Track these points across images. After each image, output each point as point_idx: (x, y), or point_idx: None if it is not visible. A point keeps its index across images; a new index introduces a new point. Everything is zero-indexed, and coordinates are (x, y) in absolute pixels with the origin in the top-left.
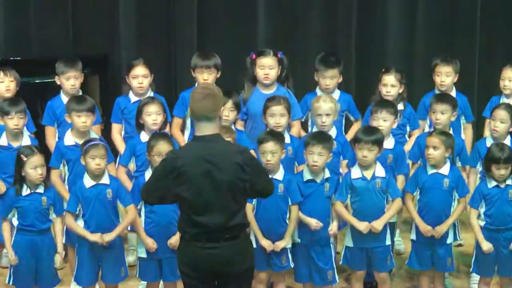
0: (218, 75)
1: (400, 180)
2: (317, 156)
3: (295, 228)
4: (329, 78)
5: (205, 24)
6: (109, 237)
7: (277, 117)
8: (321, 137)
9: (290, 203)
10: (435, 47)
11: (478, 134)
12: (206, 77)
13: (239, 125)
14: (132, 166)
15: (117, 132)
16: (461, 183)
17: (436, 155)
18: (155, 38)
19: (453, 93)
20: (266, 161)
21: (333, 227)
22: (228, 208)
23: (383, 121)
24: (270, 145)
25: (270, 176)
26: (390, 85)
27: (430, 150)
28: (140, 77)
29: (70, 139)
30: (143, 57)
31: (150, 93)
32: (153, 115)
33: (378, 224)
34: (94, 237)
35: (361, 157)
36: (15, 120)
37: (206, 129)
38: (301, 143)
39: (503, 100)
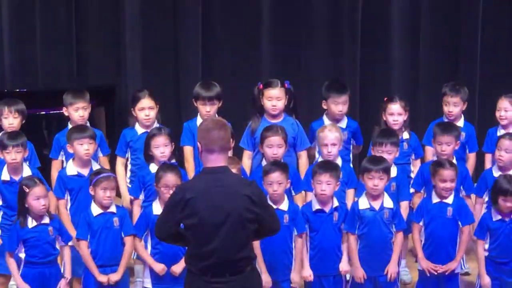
0: (220, 105)
1: (404, 207)
2: (325, 185)
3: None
4: (342, 103)
5: (210, 53)
6: (115, 277)
7: (274, 147)
8: (328, 166)
9: (295, 233)
10: (440, 70)
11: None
12: (208, 109)
13: (247, 156)
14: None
15: (121, 164)
16: (465, 212)
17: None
18: (160, 67)
19: (461, 122)
20: (273, 191)
21: (344, 265)
22: (236, 241)
23: (388, 154)
24: (276, 175)
25: (275, 207)
26: (397, 113)
27: (442, 184)
28: (146, 109)
29: (72, 168)
30: (148, 87)
31: (156, 125)
32: (161, 148)
33: (392, 269)
34: (102, 278)
35: (372, 186)
36: (12, 154)
37: (216, 161)
38: (309, 171)
39: (500, 131)
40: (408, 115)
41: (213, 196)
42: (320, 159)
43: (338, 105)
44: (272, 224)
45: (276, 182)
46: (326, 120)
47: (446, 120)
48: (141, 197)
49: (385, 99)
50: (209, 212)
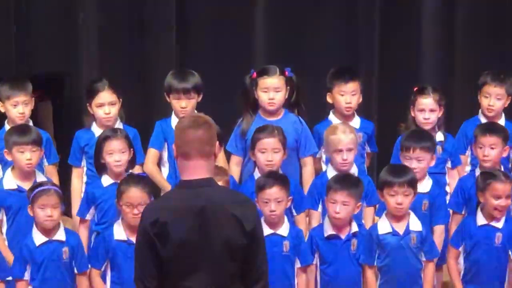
0: (199, 99)
1: (438, 233)
2: (341, 205)
3: None
4: (350, 93)
5: (188, 32)
6: None
7: (269, 153)
8: (347, 181)
9: (298, 265)
10: (479, 58)
11: None
12: (184, 104)
13: (236, 163)
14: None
15: (77, 176)
16: None
17: None
18: (123, 52)
19: (502, 120)
20: (270, 212)
21: None
22: (222, 277)
23: (418, 161)
24: (274, 192)
25: (271, 231)
26: (428, 110)
27: (495, 201)
28: (106, 105)
29: (10, 181)
30: (108, 76)
31: (119, 125)
32: (115, 154)
33: None
34: None
35: (395, 205)
36: (27, 154)
37: (198, 170)
38: (316, 184)
39: None
40: (443, 111)
41: (193, 218)
42: (330, 170)
43: (345, 95)
44: (259, 265)
45: (274, 200)
46: (334, 120)
47: (482, 116)
48: (89, 217)
49: (415, 89)
50: (189, 239)
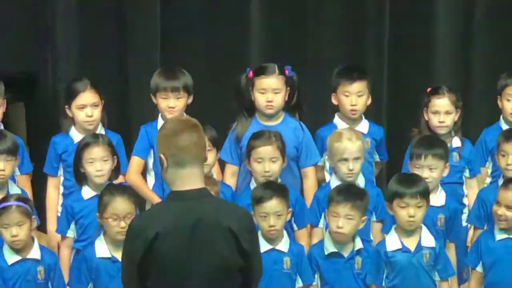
0: (190, 101)
1: (451, 249)
2: (343, 220)
3: None
4: (356, 94)
5: (175, 28)
6: None
7: (266, 162)
8: (351, 192)
9: (300, 285)
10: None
11: None
12: (172, 103)
13: (231, 173)
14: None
15: (54, 187)
16: None
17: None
18: (103, 49)
19: None
20: (269, 227)
21: None
22: None
23: (430, 170)
24: (274, 204)
25: (270, 247)
26: (444, 112)
27: (502, 209)
28: (88, 106)
29: None
30: (88, 76)
31: (101, 130)
32: (97, 163)
33: None
34: None
35: (406, 218)
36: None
37: (192, 179)
38: (318, 197)
39: None
40: (460, 114)
41: (185, 234)
42: (333, 181)
43: (350, 96)
44: (255, 278)
45: (273, 214)
46: (339, 124)
47: (504, 121)
48: (71, 234)
49: (428, 90)
50: (181, 256)
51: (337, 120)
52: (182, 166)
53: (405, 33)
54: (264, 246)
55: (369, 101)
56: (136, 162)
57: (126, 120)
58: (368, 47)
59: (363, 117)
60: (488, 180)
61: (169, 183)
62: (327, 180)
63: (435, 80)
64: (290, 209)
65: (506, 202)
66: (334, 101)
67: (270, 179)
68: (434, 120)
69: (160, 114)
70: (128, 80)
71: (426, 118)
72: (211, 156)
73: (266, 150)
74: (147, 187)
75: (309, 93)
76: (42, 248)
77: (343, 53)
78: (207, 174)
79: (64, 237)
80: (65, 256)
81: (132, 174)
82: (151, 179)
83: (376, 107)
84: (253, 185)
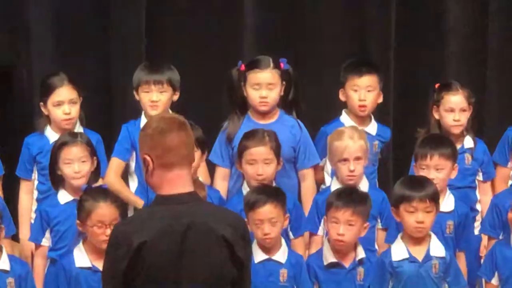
0: (176, 97)
1: (461, 259)
2: (344, 226)
3: None
4: (365, 89)
5: (161, 18)
6: None
7: (259, 165)
8: (352, 196)
9: None
10: None
11: None
12: (155, 97)
13: (222, 176)
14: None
15: (27, 192)
16: None
17: None
18: (83, 42)
19: None
20: (263, 235)
21: None
22: None
23: (436, 171)
24: (268, 210)
25: (266, 257)
26: (459, 109)
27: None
28: (66, 103)
29: None
30: (66, 71)
31: (79, 128)
32: (74, 164)
33: None
34: None
35: (415, 224)
36: None
37: (181, 182)
38: (317, 202)
39: None
40: (472, 111)
41: (175, 241)
42: (334, 184)
43: (360, 91)
44: None
45: (268, 221)
46: (346, 121)
47: None
48: (46, 242)
49: (437, 86)
50: (171, 267)
51: (344, 117)
52: (169, 169)
53: (412, 28)
54: (259, 256)
55: (380, 99)
56: (116, 164)
57: (108, 118)
58: (372, 41)
59: (372, 117)
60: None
61: (155, 187)
62: (326, 183)
63: (446, 77)
64: (287, 215)
65: None
66: (342, 97)
67: (264, 182)
68: (449, 119)
69: (143, 112)
70: (111, 76)
71: (437, 117)
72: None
73: (259, 151)
74: (128, 189)
75: (309, 91)
76: (11, 258)
77: (345, 49)
78: (197, 179)
79: (38, 245)
80: (40, 266)
81: (111, 176)
82: (133, 183)
83: (382, 106)
84: (245, 189)
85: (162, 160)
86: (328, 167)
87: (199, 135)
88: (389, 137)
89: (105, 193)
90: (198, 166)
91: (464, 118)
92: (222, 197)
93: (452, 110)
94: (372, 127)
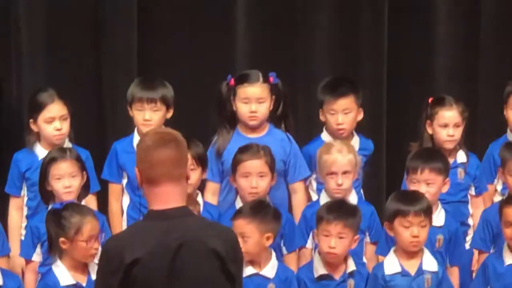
0: (169, 115)
1: (455, 275)
2: (336, 239)
3: None
4: (342, 112)
5: (152, 31)
6: None
7: (253, 178)
8: (343, 209)
9: None
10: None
11: None
12: (148, 116)
13: (212, 191)
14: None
15: (16, 209)
16: None
17: None
18: (73, 56)
19: None
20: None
21: None
22: None
23: (427, 185)
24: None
25: (254, 271)
26: (453, 124)
27: (508, 230)
28: (57, 119)
29: None
30: (54, 85)
31: (68, 144)
32: (64, 179)
33: None
34: None
35: (410, 239)
36: None
37: (169, 198)
38: (306, 215)
39: None
40: (465, 126)
41: (166, 257)
42: (323, 198)
43: (336, 114)
44: None
45: (244, 236)
46: (327, 139)
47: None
48: (37, 258)
49: (430, 100)
50: (161, 282)
51: (324, 135)
52: (155, 184)
53: (404, 40)
54: (247, 271)
55: (361, 116)
56: (114, 190)
57: (100, 134)
58: (365, 54)
59: (355, 133)
60: (497, 199)
61: (147, 201)
62: (313, 200)
63: (438, 91)
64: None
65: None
66: (322, 118)
67: (258, 196)
68: (443, 134)
69: (136, 128)
70: (102, 89)
71: (430, 131)
72: (194, 175)
73: (254, 165)
74: (121, 224)
75: (300, 106)
76: (4, 272)
77: (337, 61)
78: (190, 194)
79: (28, 261)
80: (31, 282)
81: (114, 204)
82: (126, 199)
83: (375, 120)
84: (239, 204)
85: (148, 175)
86: (314, 185)
87: (200, 152)
88: (372, 149)
89: (87, 207)
90: (198, 183)
91: (458, 133)
92: (216, 211)
93: (446, 126)
94: (355, 142)
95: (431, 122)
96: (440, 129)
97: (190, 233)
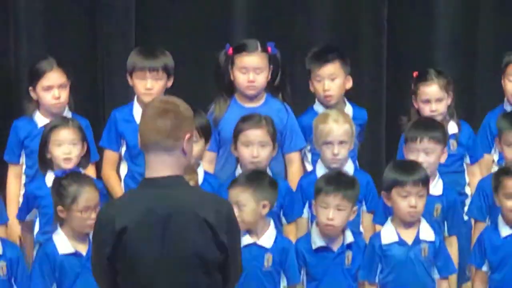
0: (170, 84)
1: (453, 244)
2: (334, 210)
3: None
4: (328, 78)
5: (150, 3)
6: None
7: (254, 147)
8: (341, 181)
9: (284, 284)
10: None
11: None
12: (149, 84)
13: (208, 160)
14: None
15: (15, 176)
16: None
17: None
18: (71, 26)
19: None
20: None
21: None
22: None
23: (426, 154)
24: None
25: (251, 241)
26: (434, 100)
27: (509, 202)
28: (55, 87)
29: None
30: (54, 56)
31: (68, 113)
32: (64, 146)
33: None
34: None
35: (408, 209)
36: None
37: (162, 166)
38: (302, 185)
39: None
40: (453, 98)
41: (157, 225)
42: (319, 168)
43: (322, 81)
44: (233, 275)
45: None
46: (320, 109)
47: (508, 104)
48: (32, 216)
49: (415, 75)
50: (151, 249)
51: (317, 106)
52: (147, 151)
53: (404, 12)
54: (244, 240)
55: (349, 84)
56: (110, 157)
57: (97, 103)
58: (364, 27)
59: (346, 101)
60: (495, 169)
61: (145, 169)
62: (308, 170)
63: (437, 62)
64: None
65: (507, 191)
66: (311, 88)
67: (259, 165)
68: (426, 110)
69: (136, 97)
70: (100, 59)
71: (416, 106)
72: (197, 146)
73: (255, 133)
74: (121, 187)
75: (297, 77)
76: (3, 241)
77: (336, 33)
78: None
79: (22, 222)
80: (28, 242)
81: (108, 170)
82: (124, 167)
83: (376, 94)
84: (239, 173)
85: (142, 141)
86: (308, 156)
87: (203, 123)
88: (365, 119)
89: (87, 177)
90: (201, 156)
91: (441, 107)
92: (215, 179)
93: (428, 101)
94: (348, 111)
95: (415, 98)
96: (423, 105)
97: (181, 203)
